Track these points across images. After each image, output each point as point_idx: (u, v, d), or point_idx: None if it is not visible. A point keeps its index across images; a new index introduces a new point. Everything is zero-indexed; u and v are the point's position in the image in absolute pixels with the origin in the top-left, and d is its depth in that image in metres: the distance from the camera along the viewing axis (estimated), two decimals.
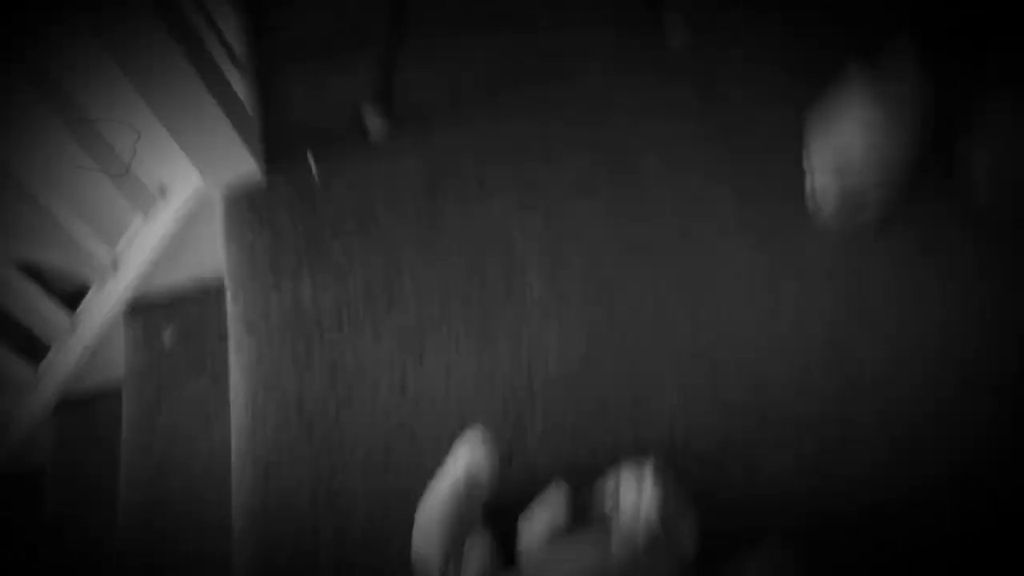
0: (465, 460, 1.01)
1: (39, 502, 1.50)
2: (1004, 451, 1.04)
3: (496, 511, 1.02)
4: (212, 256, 1.35)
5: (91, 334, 1.52)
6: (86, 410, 1.56)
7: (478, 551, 0.99)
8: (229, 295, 1.27)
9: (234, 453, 1.16)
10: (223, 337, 1.26)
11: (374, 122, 1.36)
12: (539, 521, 1.00)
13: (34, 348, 1.53)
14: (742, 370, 1.12)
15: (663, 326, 1.17)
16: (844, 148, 1.12)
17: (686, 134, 1.31)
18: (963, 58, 1.19)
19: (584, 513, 1.00)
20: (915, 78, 1.08)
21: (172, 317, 1.49)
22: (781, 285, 1.18)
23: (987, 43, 1.19)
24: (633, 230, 1.24)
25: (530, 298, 1.20)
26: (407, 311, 1.21)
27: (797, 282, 1.18)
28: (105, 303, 1.51)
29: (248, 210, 1.32)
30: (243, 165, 1.33)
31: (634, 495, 0.97)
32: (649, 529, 0.94)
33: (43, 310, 1.48)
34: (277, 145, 1.39)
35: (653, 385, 1.13)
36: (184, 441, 1.39)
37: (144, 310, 1.50)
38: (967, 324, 1.12)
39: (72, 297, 1.54)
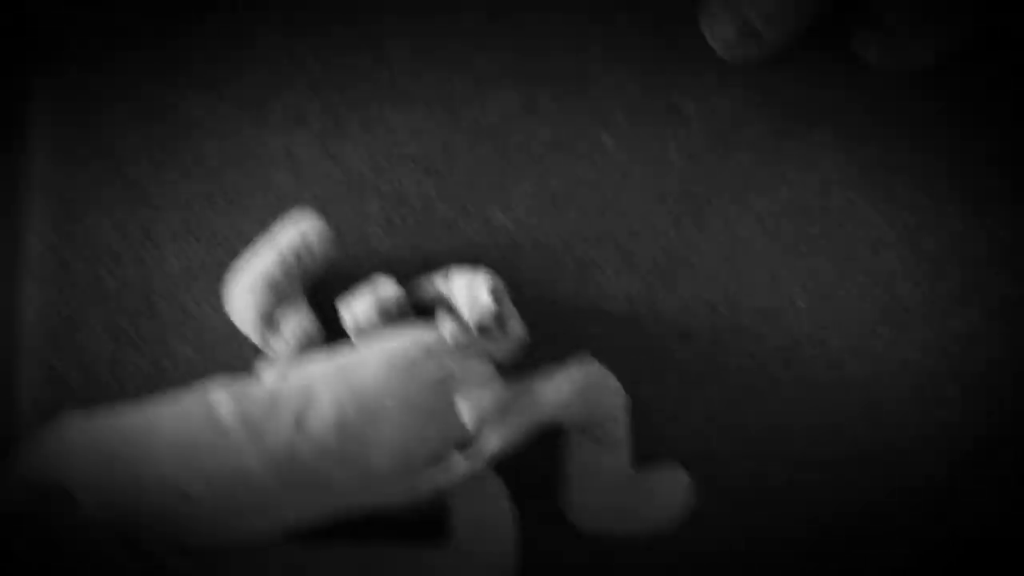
0: (294, 232, 0.98)
1: None
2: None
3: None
4: None
5: None
6: None
7: (298, 319, 0.95)
8: None
9: None
10: None
11: None
12: (362, 304, 0.96)
13: None
14: None
15: None
16: None
17: None
18: None
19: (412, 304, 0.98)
20: None
21: None
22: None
23: None
24: None
25: None
26: None
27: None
28: None
29: None
30: None
31: (467, 287, 0.95)
32: (481, 317, 0.92)
33: None
34: None
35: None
36: None
37: None
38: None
39: None
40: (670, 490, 0.95)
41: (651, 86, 1.10)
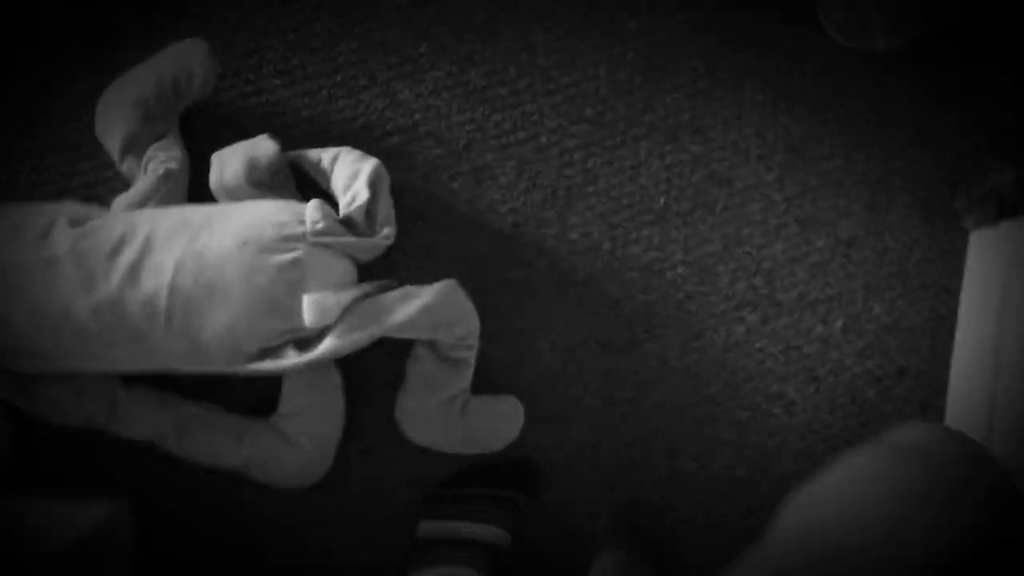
0: (179, 59, 0.92)
1: None
2: None
3: None
4: None
5: None
6: None
7: (165, 154, 0.91)
8: None
9: None
10: None
11: None
12: (234, 159, 0.92)
13: None
14: None
15: None
16: None
17: None
18: None
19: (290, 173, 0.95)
20: None
21: None
22: None
23: None
24: None
25: None
26: None
27: None
28: None
29: None
30: None
31: (349, 170, 0.92)
32: (352, 206, 0.89)
33: None
34: None
35: None
36: None
37: None
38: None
39: None
40: (502, 417, 0.95)
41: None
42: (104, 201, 0.93)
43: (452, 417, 0.92)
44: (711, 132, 1.01)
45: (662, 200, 1.00)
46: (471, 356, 0.92)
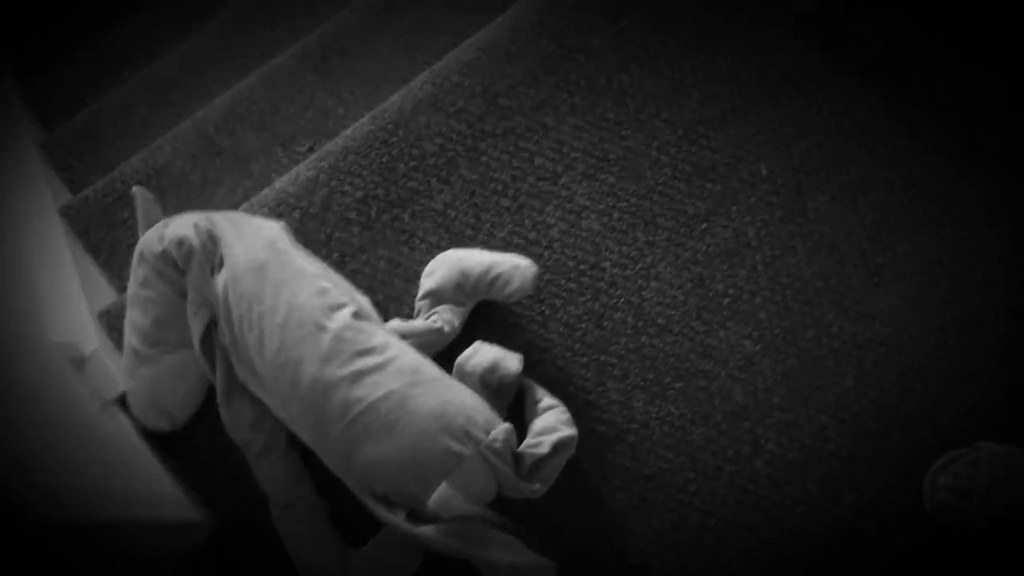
0: (512, 273, 1.07)
1: None
2: None
3: None
4: None
5: None
6: None
7: (448, 317, 1.07)
8: None
9: None
10: None
11: None
12: (486, 355, 1.04)
13: None
14: None
15: None
16: None
17: None
18: None
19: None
20: None
21: None
22: None
23: None
24: None
25: None
26: None
27: None
28: None
29: None
30: None
31: (554, 421, 1.02)
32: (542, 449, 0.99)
33: None
34: None
35: None
36: None
37: None
38: None
39: None
40: None
41: None
42: (387, 313, 1.14)
43: None
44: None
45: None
46: None
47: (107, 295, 1.25)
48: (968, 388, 1.09)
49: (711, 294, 1.13)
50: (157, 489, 1.04)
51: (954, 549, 1.03)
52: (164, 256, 1.05)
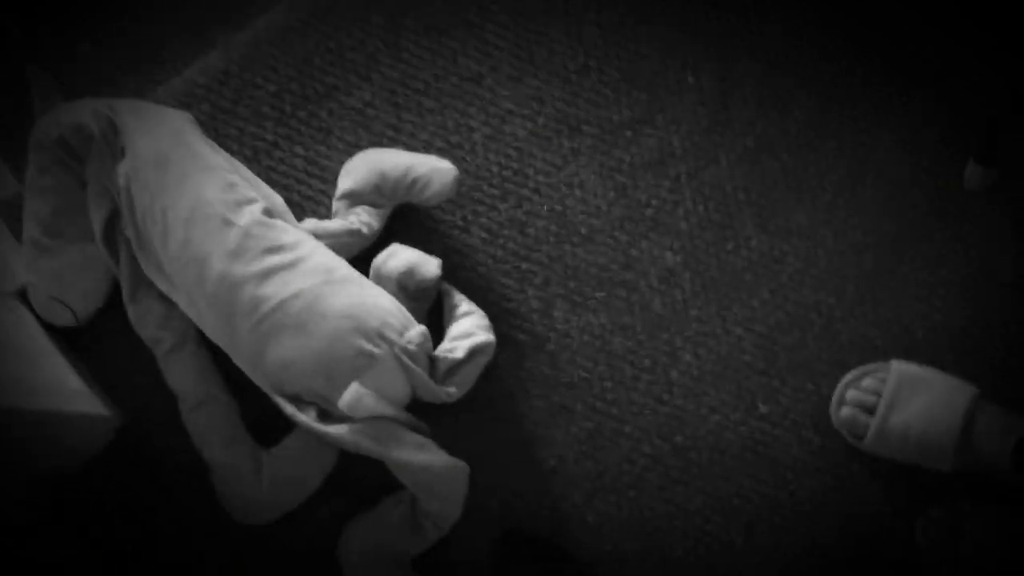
0: (432, 178, 1.04)
1: None
2: None
3: None
4: None
5: None
6: None
7: (367, 219, 1.04)
8: None
9: None
10: None
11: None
12: (402, 257, 1.02)
13: None
14: None
15: None
16: None
17: None
18: None
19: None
20: None
21: None
22: None
23: None
24: None
25: None
26: None
27: None
28: None
29: None
30: None
31: (472, 326, 1.02)
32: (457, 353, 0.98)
33: None
34: None
35: None
36: None
37: None
38: None
39: None
40: None
41: None
42: (302, 212, 1.10)
43: (385, 567, 0.98)
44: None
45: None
46: (432, 536, 0.98)
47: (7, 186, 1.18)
48: (884, 303, 1.11)
49: (634, 204, 1.12)
50: (62, 383, 0.99)
51: (855, 461, 1.06)
52: (61, 143, 0.99)
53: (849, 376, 1.06)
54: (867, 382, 1.05)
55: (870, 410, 1.03)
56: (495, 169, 1.13)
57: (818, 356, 1.09)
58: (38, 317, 1.04)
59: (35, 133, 1.01)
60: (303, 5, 1.15)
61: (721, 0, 1.17)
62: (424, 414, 0.99)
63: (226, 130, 1.11)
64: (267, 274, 0.94)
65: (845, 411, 1.05)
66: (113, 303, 1.05)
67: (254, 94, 1.12)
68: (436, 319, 1.05)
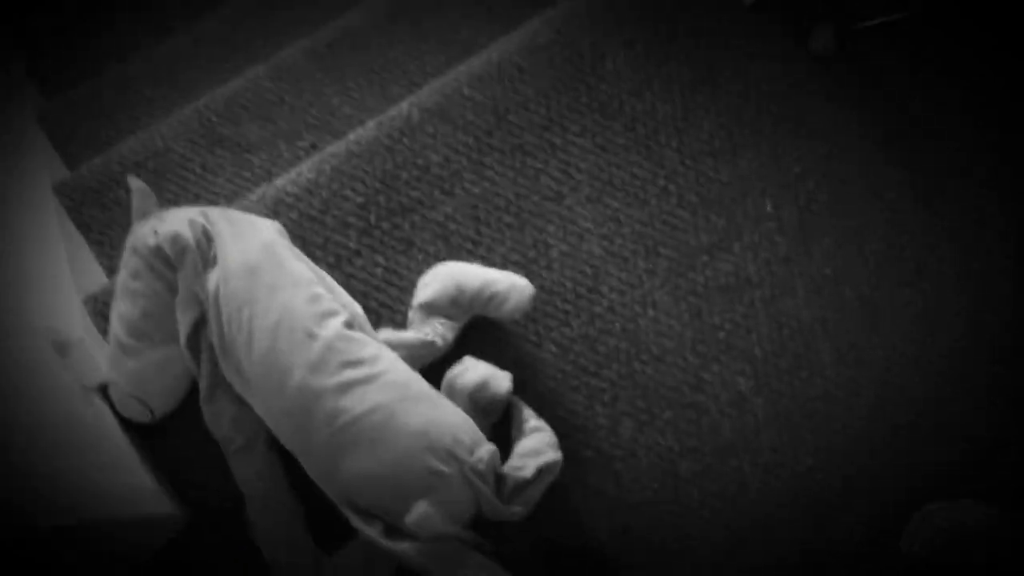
0: (511, 287, 1.06)
1: None
2: None
3: None
4: None
5: None
6: None
7: (442, 332, 1.06)
8: None
9: None
10: None
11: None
12: (477, 371, 1.03)
13: None
14: None
15: None
16: None
17: None
18: None
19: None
20: None
21: None
22: None
23: None
24: None
25: None
26: None
27: None
28: None
29: None
30: None
31: (540, 444, 1.01)
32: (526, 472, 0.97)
33: None
34: None
35: None
36: None
37: None
38: None
39: None
40: None
41: None
42: (379, 320, 1.13)
43: None
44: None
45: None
46: None
47: (95, 279, 1.23)
48: (957, 441, 1.09)
49: (708, 327, 1.12)
50: (132, 481, 1.02)
51: None
52: (157, 251, 1.03)
53: (927, 508, 1.04)
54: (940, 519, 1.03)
55: (938, 551, 1.01)
56: (570, 285, 1.14)
57: (890, 488, 1.07)
58: (116, 411, 1.07)
59: (131, 239, 1.05)
60: (395, 122, 1.19)
61: (800, 129, 1.18)
62: (488, 531, 0.99)
63: (312, 237, 1.15)
64: (345, 388, 0.96)
65: (916, 549, 1.02)
66: (188, 404, 1.07)
67: (342, 205, 1.16)
68: (503, 431, 1.06)
